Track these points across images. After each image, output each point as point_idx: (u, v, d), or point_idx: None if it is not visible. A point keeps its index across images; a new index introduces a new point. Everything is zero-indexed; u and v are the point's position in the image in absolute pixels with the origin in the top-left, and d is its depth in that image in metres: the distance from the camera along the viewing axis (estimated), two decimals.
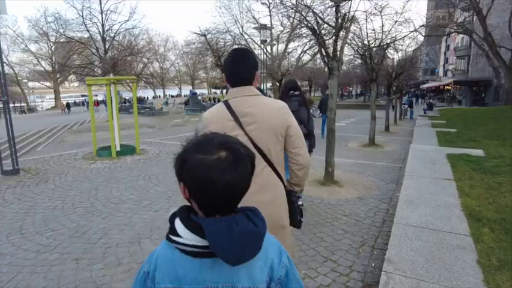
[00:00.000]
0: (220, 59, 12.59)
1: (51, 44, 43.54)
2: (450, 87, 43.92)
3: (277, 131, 1.81)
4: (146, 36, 46.84)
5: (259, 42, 27.68)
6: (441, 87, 47.31)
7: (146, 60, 45.59)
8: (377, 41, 10.45)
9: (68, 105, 40.77)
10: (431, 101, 23.71)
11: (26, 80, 57.42)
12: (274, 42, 20.31)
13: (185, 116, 30.02)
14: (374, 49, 10.64)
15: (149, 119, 27.33)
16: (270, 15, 18.53)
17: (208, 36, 12.82)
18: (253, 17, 27.76)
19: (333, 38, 5.80)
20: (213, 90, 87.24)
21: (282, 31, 36.22)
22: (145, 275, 0.96)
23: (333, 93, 5.79)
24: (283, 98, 4.47)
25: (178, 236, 0.89)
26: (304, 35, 34.93)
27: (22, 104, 49.97)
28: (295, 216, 1.98)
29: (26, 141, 18.43)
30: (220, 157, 0.86)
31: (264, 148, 1.80)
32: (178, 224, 0.91)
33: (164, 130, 19.59)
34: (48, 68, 46.37)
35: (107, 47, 26.50)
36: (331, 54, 5.81)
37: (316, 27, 5.72)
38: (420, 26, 15.04)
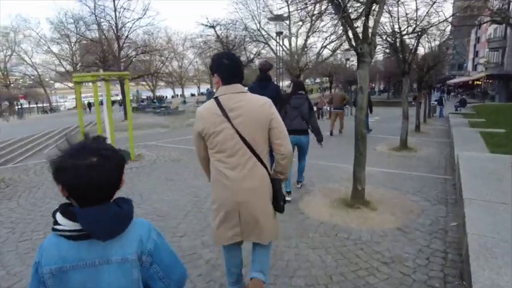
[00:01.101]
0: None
1: (72, 45, 43.43)
2: (480, 82, 40.98)
3: (262, 123, 2.04)
4: (164, 35, 46.22)
5: (276, 38, 26.33)
6: (470, 82, 44.28)
7: (164, 59, 45.03)
8: (409, 27, 8.80)
9: (89, 104, 40.97)
10: (464, 97, 21.54)
11: (52, 82, 58.00)
12: (293, 34, 18.82)
13: None
14: (406, 37, 8.98)
15: (164, 118, 26.40)
16: (289, 11, 16.98)
17: (217, 28, 11.59)
18: (271, 12, 26.31)
19: (364, 13, 4.30)
20: None
21: (301, 26, 34.67)
22: (36, 265, 1.10)
23: (364, 86, 4.31)
24: (291, 95, 5.09)
25: (60, 225, 1.07)
26: (324, 29, 33.09)
27: (45, 104, 50.43)
28: (279, 202, 2.22)
29: (36, 142, 17.68)
30: (92, 162, 1.05)
31: (249, 139, 2.04)
32: (59, 216, 1.09)
33: (178, 130, 18.49)
34: (70, 68, 46.43)
35: (121, 45, 25.60)
36: (361, 36, 4.30)
37: (341, 1, 4.23)
38: (452, 16, 13.12)
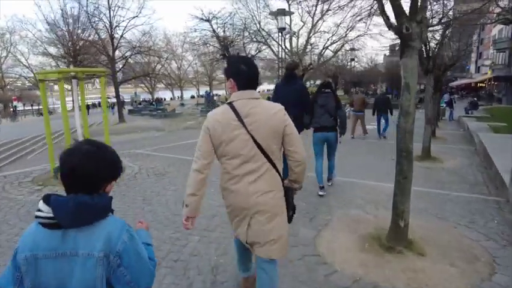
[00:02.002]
0: (227, 50, 9.88)
1: (70, 45, 42.11)
2: (485, 84, 39.70)
3: (276, 129, 1.98)
4: (163, 37, 44.94)
5: (277, 39, 25.03)
6: (472, 84, 42.97)
7: (162, 60, 43.68)
8: (433, 18, 7.49)
9: (87, 106, 40.35)
10: (475, 99, 20.20)
11: (52, 84, 56.71)
12: (295, 31, 17.51)
13: (199, 117, 27.63)
14: (431, 29, 7.67)
15: (160, 121, 24.99)
16: (290, 10, 15.67)
17: (213, 22, 10.30)
18: (271, 12, 25.06)
19: None
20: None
21: (302, 26, 33.40)
22: (15, 252, 1.16)
23: (411, 82, 3.00)
24: (317, 94, 5.08)
25: (40, 211, 1.13)
26: (326, 29, 31.58)
27: (41, 107, 49.00)
28: (288, 212, 2.14)
29: (20, 146, 16.28)
30: (81, 150, 1.18)
31: (263, 145, 1.97)
32: (41, 202, 1.15)
33: (174, 134, 17.14)
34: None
35: (115, 45, 24.25)
36: (407, 11, 2.98)
37: None
38: (455, 18, 11.81)
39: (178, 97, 64.79)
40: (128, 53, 25.35)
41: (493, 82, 35.82)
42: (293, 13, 14.73)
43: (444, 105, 19.45)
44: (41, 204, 1.14)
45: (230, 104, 1.98)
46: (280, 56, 14.54)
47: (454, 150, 9.26)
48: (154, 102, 44.04)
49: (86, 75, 7.31)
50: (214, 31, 10.01)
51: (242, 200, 2.03)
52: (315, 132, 5.07)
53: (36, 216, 1.13)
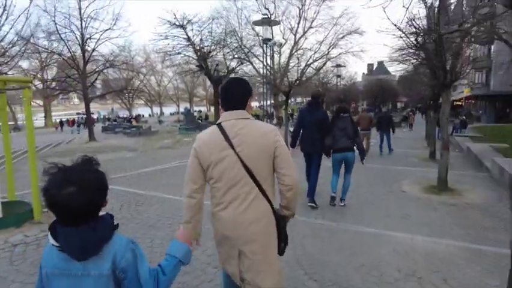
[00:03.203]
0: (205, 60, 8.24)
1: (43, 60, 39.59)
2: (461, 103, 39.74)
3: (266, 150, 1.83)
4: (142, 53, 43.08)
5: (259, 56, 23.69)
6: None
7: (142, 75, 41.73)
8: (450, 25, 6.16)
9: (61, 123, 38.95)
10: (464, 117, 19.34)
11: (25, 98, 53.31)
12: (281, 43, 16.16)
13: (177, 135, 25.70)
14: (446, 37, 6.31)
15: (134, 140, 22.91)
16: (275, 20, 14.35)
17: (188, 29, 8.69)
18: (253, 29, 23.86)
19: None
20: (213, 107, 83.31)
21: (284, 44, 32.48)
22: (40, 265, 1.27)
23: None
24: (335, 118, 5.44)
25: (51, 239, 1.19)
26: (308, 47, 30.67)
27: (11, 123, 45.79)
28: (279, 242, 1.96)
29: None
30: (68, 191, 1.12)
31: (252, 168, 1.81)
32: (49, 235, 1.20)
33: (147, 155, 15.18)
34: (39, 85, 42.31)
35: (86, 58, 22.27)
36: None
37: None
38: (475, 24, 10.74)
39: (157, 114, 62.46)
40: (101, 67, 23.34)
41: (471, 101, 35.76)
42: (279, 23, 13.43)
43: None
44: (50, 237, 1.19)
45: (219, 124, 1.89)
46: (262, 72, 13.18)
47: (466, 177, 7.84)
48: (131, 119, 41.87)
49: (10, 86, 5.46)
50: (189, 39, 8.40)
51: (229, 230, 1.87)
52: (334, 153, 5.41)
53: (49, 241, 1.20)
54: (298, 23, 31.76)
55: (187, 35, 8.46)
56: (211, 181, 1.89)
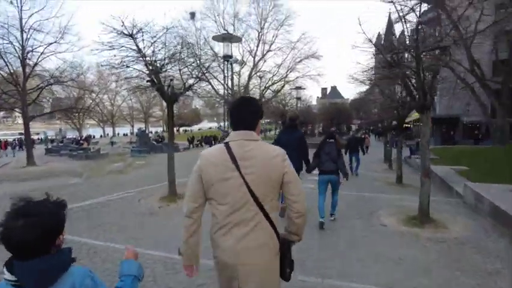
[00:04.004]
0: (157, 75, 7.10)
1: None
2: (410, 125, 41.70)
3: (273, 177, 1.74)
4: (95, 70, 40.43)
5: (219, 76, 22.86)
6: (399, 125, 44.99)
7: (94, 94, 38.97)
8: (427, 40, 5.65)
9: (6, 143, 35.94)
10: (419, 139, 19.72)
11: None
12: (243, 61, 15.38)
13: (129, 158, 23.65)
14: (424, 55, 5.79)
15: (80, 163, 20.54)
16: (237, 36, 13.61)
17: (139, 39, 7.53)
18: (211, 48, 23.06)
19: None
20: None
21: (243, 65, 32.06)
22: None
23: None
24: (323, 143, 5.88)
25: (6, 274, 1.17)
26: (267, 70, 30.66)
27: None
28: (285, 269, 1.86)
29: None
30: (17, 225, 1.13)
31: (258, 193, 1.72)
32: (5, 270, 1.17)
33: (91, 182, 13.28)
34: None
35: (27, 73, 19.96)
36: None
37: None
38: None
39: (108, 134, 58.76)
40: (45, 83, 20.99)
41: (419, 124, 37.50)
42: (240, 39, 12.67)
43: (388, 146, 18.59)
44: (6, 272, 1.17)
45: (226, 144, 1.79)
46: (223, 93, 12.26)
47: (441, 204, 7.27)
48: (81, 140, 38.72)
49: None
50: (139, 50, 7.24)
51: (229, 256, 1.75)
52: (320, 174, 5.78)
53: (5, 279, 1.18)
54: (258, 46, 31.69)
55: (137, 45, 7.28)
56: (214, 202, 1.79)
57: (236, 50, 31.22)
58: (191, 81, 7.52)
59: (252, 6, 31.40)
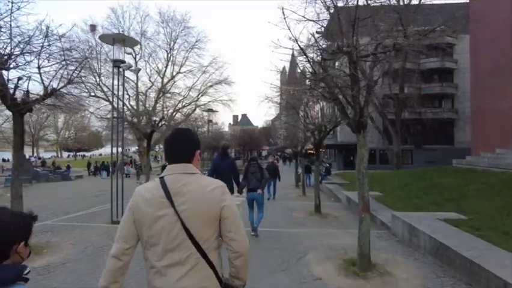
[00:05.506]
0: (53, 92, 4.55)
1: None
2: (312, 151, 43.60)
3: (210, 212, 1.52)
4: None
5: (120, 93, 19.78)
6: (303, 151, 46.88)
7: None
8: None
9: None
10: (328, 165, 19.84)
11: None
12: (140, 68, 12.92)
13: (1, 188, 18.58)
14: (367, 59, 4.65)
15: None
16: (136, 39, 11.42)
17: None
18: (101, 36, 20.04)
19: None
20: (66, 154, 69.77)
21: (151, 87, 29.26)
22: None
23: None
24: (249, 165, 6.89)
25: None
26: (177, 91, 28.56)
27: None
28: None
29: None
30: None
31: (193, 231, 1.49)
32: None
33: None
34: None
35: None
36: None
37: None
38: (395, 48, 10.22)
39: None
40: None
41: (322, 149, 39.33)
42: (138, 43, 10.51)
43: (300, 171, 18.32)
44: None
45: (161, 178, 1.58)
46: (117, 107, 9.88)
47: (374, 240, 5.98)
48: None
49: None
50: None
51: None
52: (248, 192, 6.63)
53: None
54: (166, 67, 29.41)
55: None
56: (147, 244, 1.54)
57: (143, 71, 28.45)
58: (55, 84, 5.12)
59: (161, 25, 29.26)
